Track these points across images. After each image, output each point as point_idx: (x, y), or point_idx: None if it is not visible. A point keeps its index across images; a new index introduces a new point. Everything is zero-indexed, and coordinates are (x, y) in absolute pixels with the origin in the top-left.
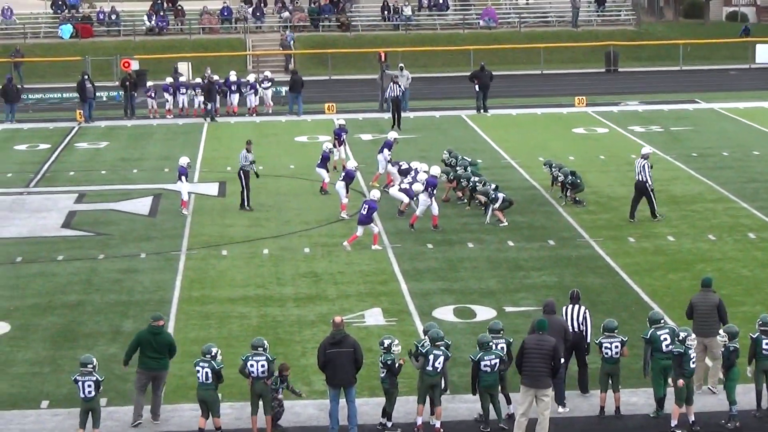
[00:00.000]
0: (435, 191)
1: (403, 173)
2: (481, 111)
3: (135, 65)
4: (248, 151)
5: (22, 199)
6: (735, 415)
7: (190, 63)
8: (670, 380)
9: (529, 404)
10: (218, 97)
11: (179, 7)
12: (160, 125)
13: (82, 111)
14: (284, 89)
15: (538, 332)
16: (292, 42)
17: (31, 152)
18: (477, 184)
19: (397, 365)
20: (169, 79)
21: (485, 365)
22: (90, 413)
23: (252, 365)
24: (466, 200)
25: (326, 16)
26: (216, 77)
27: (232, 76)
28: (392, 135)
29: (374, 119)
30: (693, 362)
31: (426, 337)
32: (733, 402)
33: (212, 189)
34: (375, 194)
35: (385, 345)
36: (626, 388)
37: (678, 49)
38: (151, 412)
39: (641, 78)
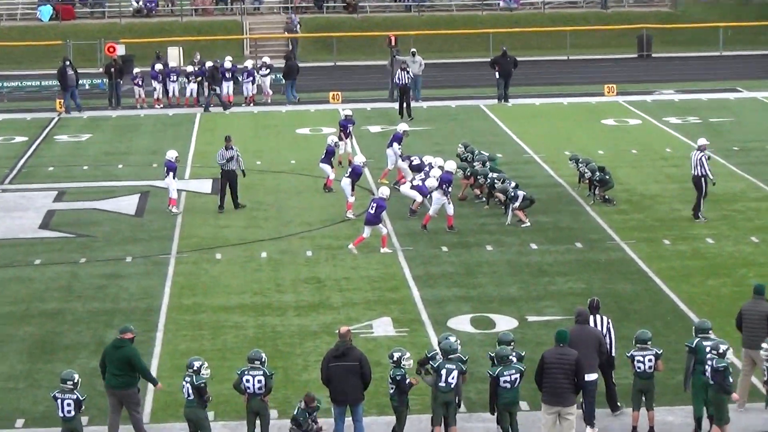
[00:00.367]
0: (450, 188)
1: (416, 169)
2: (502, 100)
3: (121, 50)
4: (227, 148)
5: None
6: None
7: (181, 47)
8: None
9: (552, 424)
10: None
11: None
12: (147, 116)
13: (63, 100)
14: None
15: (558, 344)
16: (298, 26)
17: (6, 146)
18: (495, 181)
19: (407, 382)
20: (159, 66)
21: (504, 381)
22: None
23: (248, 380)
24: (484, 198)
25: None
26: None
27: (227, 63)
28: (402, 127)
29: (383, 109)
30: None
31: (437, 349)
32: None
33: (205, 186)
34: (384, 192)
35: (395, 358)
36: (661, 406)
37: (718, 32)
38: None
39: (677, 64)
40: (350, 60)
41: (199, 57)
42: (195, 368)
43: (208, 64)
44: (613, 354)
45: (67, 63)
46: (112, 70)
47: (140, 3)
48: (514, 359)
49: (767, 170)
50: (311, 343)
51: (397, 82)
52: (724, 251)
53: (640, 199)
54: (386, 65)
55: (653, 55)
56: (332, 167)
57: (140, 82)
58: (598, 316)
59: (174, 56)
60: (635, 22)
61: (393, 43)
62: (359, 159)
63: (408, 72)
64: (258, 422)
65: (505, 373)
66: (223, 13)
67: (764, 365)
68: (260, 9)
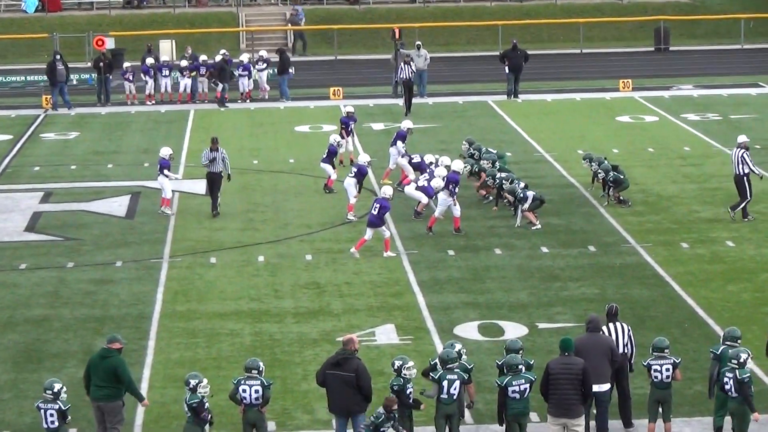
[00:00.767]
0: (457, 189)
1: (415, 167)
2: (512, 96)
3: (110, 43)
4: (211, 149)
5: None
6: None
7: (173, 41)
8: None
9: None
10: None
11: None
12: (138, 113)
13: (51, 96)
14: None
15: (563, 353)
16: (302, 19)
17: None
18: (504, 181)
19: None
20: (150, 60)
21: (513, 391)
22: None
23: (245, 390)
24: (492, 198)
25: None
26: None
27: (219, 57)
28: (406, 124)
29: (387, 106)
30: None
31: (432, 361)
32: None
33: (199, 186)
34: (387, 191)
35: (395, 367)
36: (678, 417)
37: (739, 24)
38: None
39: (696, 58)
40: (352, 54)
41: (190, 51)
42: (191, 386)
43: (217, 57)
44: (632, 361)
45: (57, 57)
46: (101, 64)
47: None
48: (524, 368)
49: None
50: (311, 352)
51: (400, 76)
52: (745, 255)
53: (657, 200)
54: (390, 59)
55: (671, 48)
56: (334, 167)
57: (131, 77)
58: (617, 324)
59: (166, 50)
60: (652, 13)
61: (397, 35)
62: (364, 158)
63: (411, 65)
64: None
65: (513, 383)
66: (218, 5)
67: None
68: (257, 0)
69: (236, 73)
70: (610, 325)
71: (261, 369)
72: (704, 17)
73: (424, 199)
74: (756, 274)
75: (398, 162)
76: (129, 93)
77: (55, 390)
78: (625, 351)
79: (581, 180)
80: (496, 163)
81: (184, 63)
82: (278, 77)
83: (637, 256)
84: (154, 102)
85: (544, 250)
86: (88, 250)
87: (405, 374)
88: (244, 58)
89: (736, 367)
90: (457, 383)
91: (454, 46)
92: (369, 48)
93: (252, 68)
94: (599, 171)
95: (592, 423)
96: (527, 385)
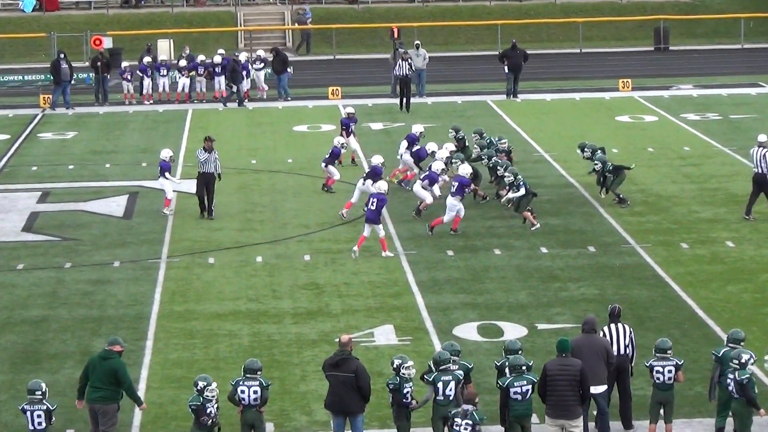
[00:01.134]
0: (467, 191)
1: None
2: (511, 96)
3: (108, 43)
4: (205, 150)
5: None
6: None
7: (171, 40)
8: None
9: None
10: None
11: None
12: (136, 112)
13: (52, 96)
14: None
15: (560, 354)
16: (309, 18)
17: None
18: (498, 167)
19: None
20: (147, 59)
21: (515, 392)
22: None
23: (243, 391)
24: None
25: None
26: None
27: (218, 57)
28: (417, 128)
29: (386, 105)
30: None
31: (429, 363)
32: None
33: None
34: (382, 186)
35: (394, 365)
36: (678, 419)
37: (739, 23)
38: None
39: (696, 58)
40: (350, 53)
41: (188, 51)
42: (198, 388)
43: (260, 54)
44: (633, 364)
45: (62, 56)
46: (99, 63)
47: None
48: (526, 369)
49: None
50: (309, 353)
51: (397, 73)
52: (745, 255)
53: (657, 200)
54: (389, 59)
55: (671, 47)
56: (334, 166)
57: (129, 77)
58: (619, 325)
59: (164, 49)
60: (652, 12)
61: (396, 35)
62: (378, 159)
63: (409, 62)
64: None
65: (515, 383)
66: (217, 4)
67: None
68: (256, 0)
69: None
70: (612, 325)
71: (260, 370)
72: (704, 17)
73: (429, 199)
74: (756, 275)
75: (402, 158)
76: (127, 92)
77: (43, 390)
78: (626, 352)
79: (581, 180)
80: (493, 158)
81: (182, 63)
82: (275, 76)
83: (637, 256)
84: (152, 101)
85: (544, 250)
86: (85, 251)
87: (403, 374)
88: (242, 57)
89: (737, 368)
90: (452, 384)
91: (453, 45)
92: (368, 47)
93: (250, 67)
94: (596, 163)
95: (591, 425)
96: (529, 387)
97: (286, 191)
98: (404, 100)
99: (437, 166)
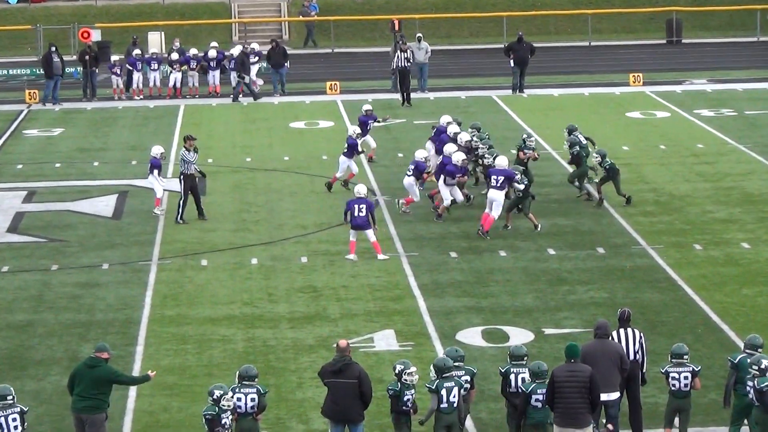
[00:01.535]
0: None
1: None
2: (517, 91)
3: (96, 35)
4: (188, 149)
5: None
6: None
7: (162, 32)
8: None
9: None
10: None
11: None
12: (126, 108)
13: (44, 90)
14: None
15: (569, 360)
16: (315, 12)
17: None
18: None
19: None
20: (137, 52)
21: (536, 399)
22: None
23: (239, 398)
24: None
25: None
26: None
27: (212, 51)
28: (446, 119)
29: (386, 100)
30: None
31: (431, 368)
32: None
33: None
34: (362, 190)
35: (396, 371)
36: (692, 427)
37: (755, 15)
38: None
39: (710, 51)
40: (350, 46)
41: (178, 44)
42: (215, 397)
43: (238, 48)
44: (644, 370)
45: (53, 49)
46: (87, 57)
47: None
48: (516, 376)
49: None
50: (306, 358)
51: (396, 65)
52: (760, 257)
53: (669, 199)
54: (389, 52)
55: (683, 40)
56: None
57: (118, 71)
58: (629, 330)
59: (155, 42)
60: (663, 4)
61: (396, 27)
62: (422, 154)
63: (407, 53)
64: None
65: (539, 390)
66: None
67: None
68: None
69: (228, 66)
70: (621, 330)
71: (256, 376)
72: (718, 8)
73: (448, 201)
74: None
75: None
76: (116, 87)
77: (12, 393)
78: (636, 358)
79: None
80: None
81: (174, 56)
82: (272, 70)
83: (648, 258)
84: (142, 97)
85: (551, 252)
86: (73, 252)
87: (405, 380)
88: (236, 51)
89: (757, 374)
90: (455, 390)
91: (457, 38)
92: (367, 40)
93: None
94: (595, 155)
95: None
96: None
97: (282, 190)
98: (404, 93)
99: (458, 157)
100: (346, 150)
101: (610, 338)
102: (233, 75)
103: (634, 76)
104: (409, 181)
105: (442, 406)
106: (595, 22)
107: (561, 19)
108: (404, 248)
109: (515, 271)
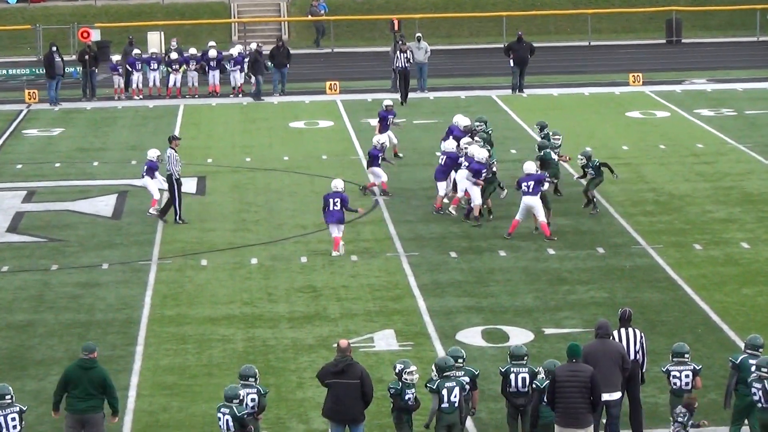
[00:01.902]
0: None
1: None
2: (517, 91)
3: (96, 35)
4: (174, 149)
5: None
6: None
7: (162, 32)
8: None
9: None
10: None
11: None
12: (126, 108)
13: (48, 91)
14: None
15: (570, 360)
16: (324, 12)
17: None
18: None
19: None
20: (136, 51)
21: (548, 394)
22: None
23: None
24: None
25: None
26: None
27: (211, 50)
28: (460, 120)
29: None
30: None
31: (432, 368)
32: None
33: (189, 185)
34: (338, 184)
35: (396, 370)
36: (692, 428)
37: (755, 15)
38: None
39: (710, 51)
40: (349, 46)
41: (176, 44)
42: (240, 398)
43: (237, 48)
44: (644, 370)
45: (54, 49)
46: (87, 57)
47: None
48: (516, 377)
49: None
50: (306, 358)
51: (396, 65)
52: (760, 257)
53: (669, 199)
54: (389, 52)
55: (683, 40)
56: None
57: (120, 71)
58: (630, 330)
59: (155, 42)
60: (663, 4)
61: (396, 27)
62: (451, 144)
63: (407, 53)
64: None
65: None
66: None
67: None
68: None
69: (227, 66)
70: (622, 330)
71: (257, 376)
72: (718, 8)
73: (478, 200)
74: None
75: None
76: (118, 87)
77: (11, 392)
78: (636, 358)
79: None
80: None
81: (174, 56)
82: (275, 70)
83: (648, 258)
84: (141, 97)
85: (551, 251)
86: (73, 252)
87: (405, 379)
88: (235, 51)
89: (766, 376)
90: (456, 390)
91: (457, 38)
92: (367, 40)
93: (244, 62)
94: (580, 158)
95: None
96: None
97: (281, 190)
98: (403, 92)
99: (481, 154)
100: (370, 160)
101: (611, 338)
102: (233, 75)
103: (633, 75)
104: (462, 175)
105: (443, 405)
106: (595, 22)
107: (561, 18)
108: (404, 248)
109: (515, 270)
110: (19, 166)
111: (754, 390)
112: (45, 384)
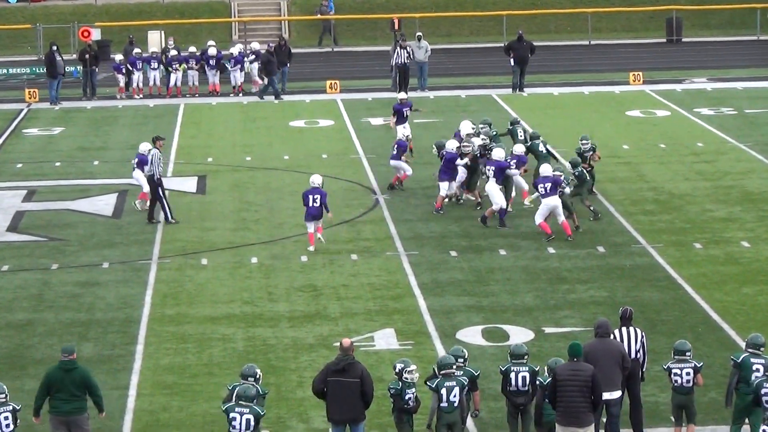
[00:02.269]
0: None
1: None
2: (517, 90)
3: (96, 34)
4: (159, 150)
5: None
6: None
7: (162, 31)
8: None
9: None
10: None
11: None
12: (126, 107)
13: (49, 91)
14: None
15: (571, 359)
16: (332, 11)
17: None
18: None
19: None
20: (137, 50)
21: (549, 393)
22: None
23: None
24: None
25: None
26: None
27: (211, 49)
28: (462, 128)
29: (386, 99)
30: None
31: (433, 367)
32: None
33: (189, 184)
34: (316, 180)
35: (396, 370)
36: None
37: (755, 14)
38: None
39: (710, 50)
40: (349, 45)
41: (173, 43)
42: (251, 395)
43: (238, 47)
44: (644, 369)
45: (54, 48)
46: (87, 56)
47: None
48: (516, 375)
49: None
50: (306, 357)
51: (395, 62)
52: (761, 256)
53: (669, 198)
54: (389, 51)
55: (683, 39)
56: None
57: (123, 70)
58: (630, 329)
59: (155, 41)
60: (664, 3)
61: (397, 26)
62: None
63: (407, 50)
64: None
65: None
66: None
67: None
68: None
69: (228, 65)
70: (623, 329)
71: (258, 376)
72: (718, 7)
73: (503, 203)
74: None
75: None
76: (123, 86)
77: (6, 392)
78: (637, 357)
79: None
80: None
81: (173, 53)
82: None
83: (648, 257)
84: (141, 96)
85: (551, 251)
86: (73, 251)
87: (406, 378)
88: (235, 50)
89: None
90: (456, 389)
91: (457, 37)
92: (368, 39)
93: (244, 60)
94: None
95: None
96: None
97: (282, 189)
98: (402, 88)
99: (499, 154)
100: (395, 153)
101: (612, 337)
102: (233, 74)
103: (634, 74)
104: (492, 186)
105: (442, 405)
106: (595, 21)
107: (561, 17)
108: (404, 247)
109: (515, 269)
110: (20, 165)
111: (764, 390)
112: None
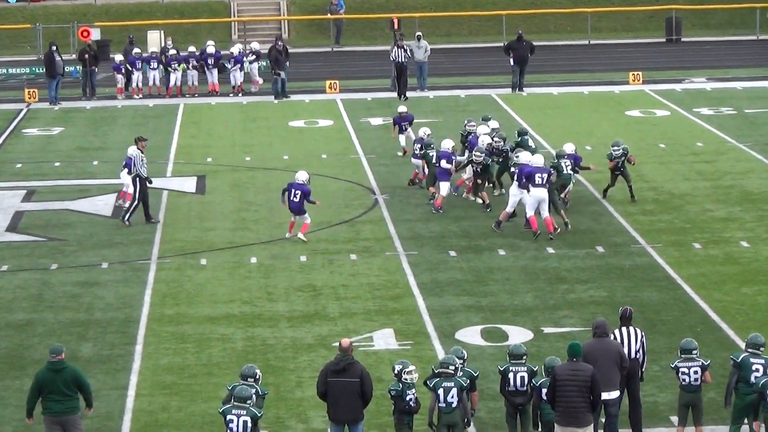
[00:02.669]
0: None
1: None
2: (517, 90)
3: (96, 34)
4: (141, 150)
5: None
6: None
7: (162, 31)
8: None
9: None
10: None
11: None
12: (125, 107)
13: (48, 91)
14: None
15: (571, 359)
16: (342, 10)
17: None
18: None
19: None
20: (136, 50)
21: (547, 394)
22: None
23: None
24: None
25: None
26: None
27: (210, 48)
28: (484, 129)
29: (386, 99)
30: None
31: (433, 367)
32: None
33: (189, 184)
34: (302, 176)
35: (395, 371)
36: (689, 426)
37: (755, 14)
38: None
39: (709, 49)
40: (349, 45)
41: (171, 43)
42: (252, 397)
43: (238, 47)
44: (644, 369)
45: (54, 48)
46: (86, 56)
47: None
48: (515, 375)
49: None
50: (306, 357)
51: (393, 59)
52: (760, 256)
53: (668, 198)
54: (389, 51)
55: (683, 39)
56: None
57: (123, 70)
58: (630, 329)
59: (155, 41)
60: (663, 2)
61: (396, 26)
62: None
63: (405, 49)
64: None
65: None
66: None
67: None
68: None
69: (228, 65)
70: (623, 329)
71: (258, 377)
72: (718, 7)
73: (511, 208)
74: None
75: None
76: (122, 86)
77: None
78: (636, 357)
79: (588, 177)
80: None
81: (172, 52)
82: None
83: (648, 257)
84: (141, 96)
85: (550, 250)
86: (72, 251)
87: (405, 379)
88: (235, 50)
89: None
90: (454, 390)
91: (456, 36)
92: (367, 39)
93: (244, 60)
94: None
95: None
96: None
97: (281, 189)
98: (400, 87)
99: (526, 158)
100: (417, 152)
101: (611, 337)
102: (233, 74)
103: (633, 74)
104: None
105: (440, 405)
106: (595, 21)
107: (560, 17)
108: (403, 247)
109: (514, 269)
110: (19, 165)
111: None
112: None
